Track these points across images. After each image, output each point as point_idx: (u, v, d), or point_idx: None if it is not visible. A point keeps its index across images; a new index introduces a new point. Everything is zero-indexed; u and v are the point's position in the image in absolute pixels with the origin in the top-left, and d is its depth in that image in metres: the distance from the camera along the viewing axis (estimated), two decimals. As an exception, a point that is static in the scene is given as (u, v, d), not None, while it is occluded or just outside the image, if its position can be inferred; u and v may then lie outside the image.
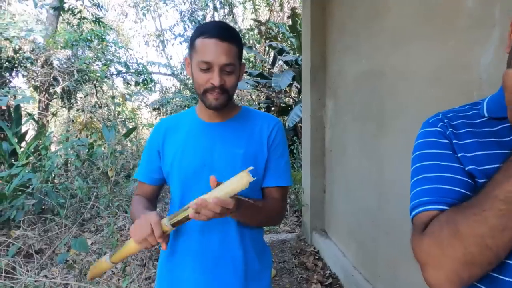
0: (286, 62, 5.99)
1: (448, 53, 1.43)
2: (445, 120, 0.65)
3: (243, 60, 1.05)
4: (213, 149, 1.02)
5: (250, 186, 0.99)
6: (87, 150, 4.00)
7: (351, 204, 2.51)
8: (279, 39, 6.63)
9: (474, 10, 1.29)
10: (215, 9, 8.21)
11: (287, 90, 6.32)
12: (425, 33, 1.58)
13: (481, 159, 0.56)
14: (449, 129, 0.62)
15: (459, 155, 0.59)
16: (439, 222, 0.52)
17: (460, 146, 0.60)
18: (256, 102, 7.02)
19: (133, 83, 6.87)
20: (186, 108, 7.02)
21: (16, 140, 4.05)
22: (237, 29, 8.35)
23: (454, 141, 0.61)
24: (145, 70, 7.02)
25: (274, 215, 1.08)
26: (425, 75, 1.59)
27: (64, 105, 5.87)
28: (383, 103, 1.98)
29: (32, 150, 3.89)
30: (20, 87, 5.38)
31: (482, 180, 0.55)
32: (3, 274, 2.31)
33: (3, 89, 4.00)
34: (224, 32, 0.93)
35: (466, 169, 0.57)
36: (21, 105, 4.59)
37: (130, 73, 6.80)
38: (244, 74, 6.03)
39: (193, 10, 8.38)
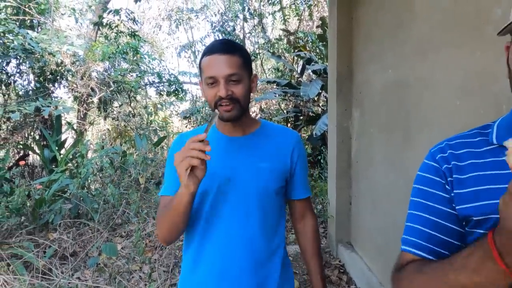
0: (314, 71, 5.97)
1: (477, 63, 1.37)
2: (448, 151, 0.63)
3: (254, 72, 1.05)
4: (237, 164, 1.02)
5: (275, 202, 1.06)
6: (120, 158, 4.19)
7: (377, 218, 2.44)
8: (308, 48, 6.63)
9: (503, 18, 1.24)
10: (244, 20, 8.36)
11: (315, 99, 6.27)
12: (452, 42, 1.53)
13: (480, 195, 0.54)
14: (451, 162, 0.61)
15: (454, 192, 0.58)
16: (411, 272, 0.58)
17: (460, 181, 0.58)
18: (284, 111, 7.03)
19: (165, 93, 7.12)
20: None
21: (56, 147, 4.32)
22: (266, 39, 8.44)
23: (454, 175, 0.59)
24: (176, 80, 7.26)
25: (319, 237, 1.20)
26: (452, 86, 1.54)
27: (100, 114, 6.19)
28: (409, 115, 1.92)
29: (70, 157, 4.13)
30: (61, 98, 5.74)
31: (478, 218, 0.53)
32: (40, 275, 2.46)
33: (46, 99, 4.29)
34: (223, 46, 0.96)
35: (458, 208, 0.57)
36: (62, 114, 4.90)
37: (162, 84, 7.05)
38: (273, 84, 6.09)
39: (224, 21, 8.58)
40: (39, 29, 5.47)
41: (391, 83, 2.15)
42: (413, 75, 1.87)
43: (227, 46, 0.96)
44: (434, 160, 0.64)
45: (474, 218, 0.55)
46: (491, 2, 1.28)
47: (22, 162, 4.03)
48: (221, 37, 8.31)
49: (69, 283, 2.45)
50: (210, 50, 0.96)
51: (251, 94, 1.06)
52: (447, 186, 0.60)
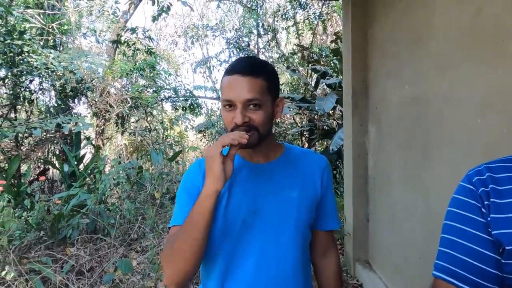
0: (329, 85, 5.96)
1: (498, 80, 1.34)
2: (486, 174, 0.60)
3: (281, 95, 0.94)
4: (264, 193, 0.92)
5: (301, 229, 0.94)
6: (136, 173, 4.25)
7: (396, 236, 2.37)
8: (322, 63, 6.64)
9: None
10: (259, 35, 8.48)
11: (331, 113, 6.25)
12: (472, 58, 1.50)
13: None
14: (490, 185, 0.58)
15: (490, 216, 0.56)
16: None
17: (497, 205, 0.56)
18: (299, 125, 7.01)
19: (180, 108, 7.24)
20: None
21: (75, 162, 4.42)
22: (280, 53, 8.51)
23: (492, 199, 0.57)
24: (192, 95, 7.38)
25: (342, 275, 1.08)
26: (473, 103, 1.50)
27: (118, 130, 6.32)
28: (428, 132, 1.88)
29: (89, 172, 4.21)
30: (81, 114, 5.91)
31: (510, 247, 0.50)
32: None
33: (67, 116, 4.41)
34: (246, 66, 0.85)
35: (494, 232, 0.54)
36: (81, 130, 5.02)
37: (178, 99, 7.18)
38: (287, 99, 6.10)
39: (238, 37, 8.72)
40: (61, 48, 5.69)
41: (409, 99, 2.12)
42: (432, 92, 1.84)
43: (251, 67, 0.85)
44: (470, 182, 0.62)
45: (507, 248, 0.53)
46: (509, 17, 1.26)
47: (42, 178, 4.13)
48: (235, 53, 8.44)
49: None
50: (232, 69, 0.86)
51: (275, 119, 0.94)
52: (483, 210, 0.58)
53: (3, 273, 2.19)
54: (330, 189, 1.03)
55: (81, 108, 6.13)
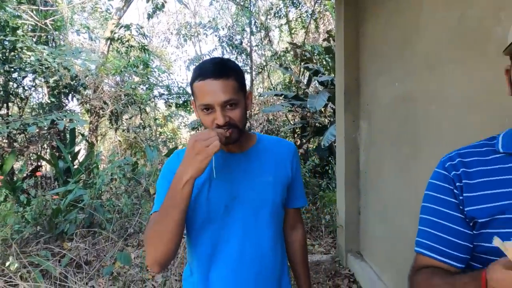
0: (321, 83, 6.06)
1: (482, 78, 1.44)
2: (457, 159, 0.70)
3: (248, 89, 1.01)
4: (242, 180, 1.00)
5: (276, 210, 1.05)
6: (131, 169, 4.29)
7: (386, 228, 2.48)
8: (314, 61, 6.74)
9: (504, 37, 1.31)
10: (251, 33, 8.53)
11: (322, 110, 6.35)
12: (458, 58, 1.60)
13: (487, 198, 0.61)
14: (460, 169, 0.68)
15: (463, 195, 0.65)
16: (423, 279, 0.67)
17: (468, 186, 0.66)
18: (291, 122, 7.11)
19: (173, 105, 7.27)
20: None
21: (70, 158, 4.43)
22: (273, 51, 8.59)
23: (463, 181, 0.67)
24: (185, 92, 7.41)
25: (307, 246, 1.23)
26: (458, 100, 1.60)
27: (111, 126, 6.33)
28: (417, 128, 1.99)
29: (84, 168, 4.24)
30: (75, 111, 5.90)
31: (485, 219, 0.60)
32: (58, 282, 2.53)
33: (61, 112, 4.42)
34: (217, 69, 0.89)
35: (467, 209, 0.64)
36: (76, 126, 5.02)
37: (171, 96, 7.20)
38: (280, 97, 6.18)
39: (231, 35, 8.76)
40: (54, 44, 5.67)
41: (399, 96, 2.22)
42: (420, 89, 1.94)
43: (221, 69, 0.89)
44: (443, 168, 0.72)
45: (479, 220, 0.62)
46: (491, 21, 1.36)
47: (38, 173, 4.14)
48: (228, 50, 8.48)
49: (85, 291, 2.51)
50: (203, 74, 0.89)
51: (248, 111, 1.03)
52: (455, 191, 0.67)
53: (7, 263, 2.23)
54: (299, 171, 1.14)
55: (73, 105, 6.11)
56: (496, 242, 0.49)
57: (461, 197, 0.67)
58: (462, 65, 1.57)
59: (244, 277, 0.99)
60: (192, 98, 0.98)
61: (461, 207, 0.67)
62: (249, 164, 1.03)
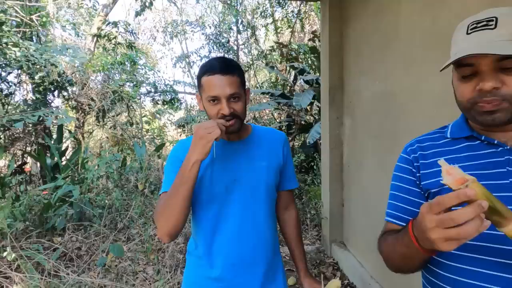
0: (307, 82, 6.21)
1: (451, 77, 1.59)
2: (416, 145, 0.87)
3: (247, 86, 1.16)
4: (240, 165, 1.15)
5: (270, 190, 1.21)
6: (120, 165, 4.33)
7: (368, 218, 2.64)
8: (300, 60, 6.89)
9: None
10: (238, 32, 8.62)
11: (308, 108, 6.51)
12: (431, 58, 1.76)
13: (437, 173, 0.77)
14: (418, 152, 0.84)
15: (420, 172, 0.81)
16: (383, 240, 0.84)
17: (425, 164, 0.82)
18: (277, 120, 7.24)
19: (161, 102, 7.29)
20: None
21: (58, 155, 4.43)
22: (259, 50, 8.71)
23: (420, 161, 0.83)
24: (172, 90, 7.44)
25: (300, 225, 1.36)
26: (433, 96, 1.76)
27: (98, 123, 6.31)
28: (396, 122, 2.14)
29: (72, 164, 4.25)
30: (62, 107, 5.86)
31: (435, 189, 0.76)
32: (52, 273, 2.57)
33: (47, 109, 4.41)
34: (224, 66, 1.04)
35: (423, 183, 0.80)
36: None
37: (158, 93, 7.22)
38: (267, 95, 6.29)
39: (218, 33, 8.83)
40: (39, 40, 5.61)
41: (379, 94, 2.38)
42: (399, 87, 2.10)
43: (229, 66, 1.05)
44: (405, 152, 0.89)
45: (432, 191, 0.78)
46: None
47: (27, 169, 4.13)
48: (215, 48, 8.55)
49: (80, 282, 2.57)
50: (211, 69, 1.04)
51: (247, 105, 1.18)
52: (413, 170, 0.84)
53: (5, 253, 2.27)
54: (290, 157, 1.29)
55: (59, 101, 6.06)
56: (441, 162, 0.60)
57: (418, 174, 0.82)
58: (435, 64, 1.71)
59: (243, 249, 1.14)
60: (198, 91, 1.12)
61: (417, 183, 0.82)
62: (246, 151, 1.18)
